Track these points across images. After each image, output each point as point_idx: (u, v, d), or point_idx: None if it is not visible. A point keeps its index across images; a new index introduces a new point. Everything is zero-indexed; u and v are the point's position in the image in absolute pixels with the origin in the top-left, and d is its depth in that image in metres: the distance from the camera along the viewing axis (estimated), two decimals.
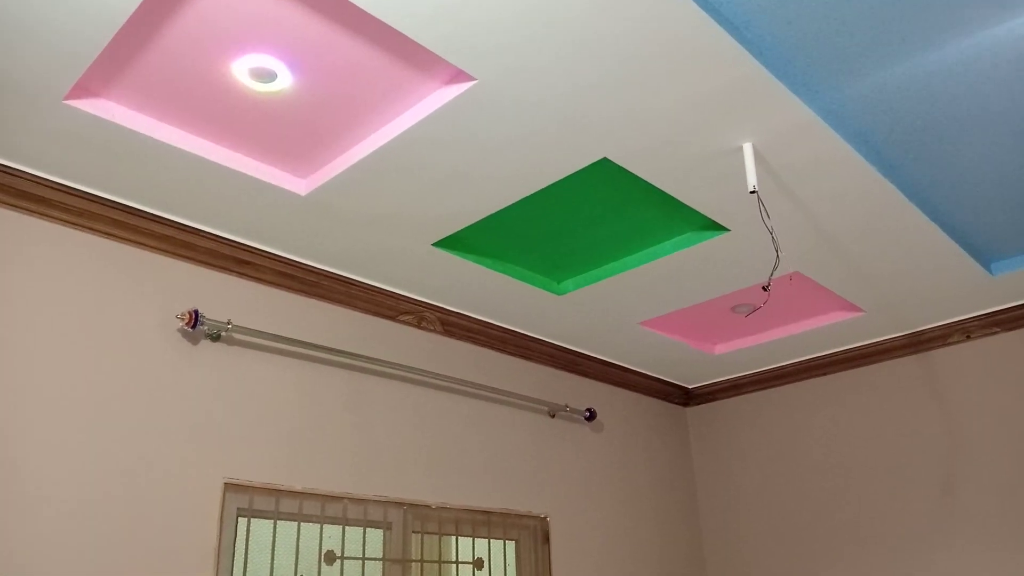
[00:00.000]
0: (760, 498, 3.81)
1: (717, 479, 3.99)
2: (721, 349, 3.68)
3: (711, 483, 4.01)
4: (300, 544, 2.44)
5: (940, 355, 3.42)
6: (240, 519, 2.33)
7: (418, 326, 2.96)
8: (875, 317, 3.28)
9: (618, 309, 3.12)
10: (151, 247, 2.31)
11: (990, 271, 2.92)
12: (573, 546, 3.27)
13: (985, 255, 2.89)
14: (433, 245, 2.56)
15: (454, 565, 2.86)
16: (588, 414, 3.50)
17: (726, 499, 3.93)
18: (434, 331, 3.01)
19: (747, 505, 3.84)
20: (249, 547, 2.33)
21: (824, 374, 3.73)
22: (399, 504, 2.71)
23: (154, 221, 2.30)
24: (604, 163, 2.20)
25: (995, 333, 3.28)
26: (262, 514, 2.38)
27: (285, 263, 2.58)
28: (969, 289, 3.03)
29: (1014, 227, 2.69)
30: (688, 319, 3.35)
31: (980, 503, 3.16)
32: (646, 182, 2.30)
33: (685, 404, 4.20)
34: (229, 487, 2.31)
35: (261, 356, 2.48)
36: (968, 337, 3.34)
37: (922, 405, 3.41)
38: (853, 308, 3.24)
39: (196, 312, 2.28)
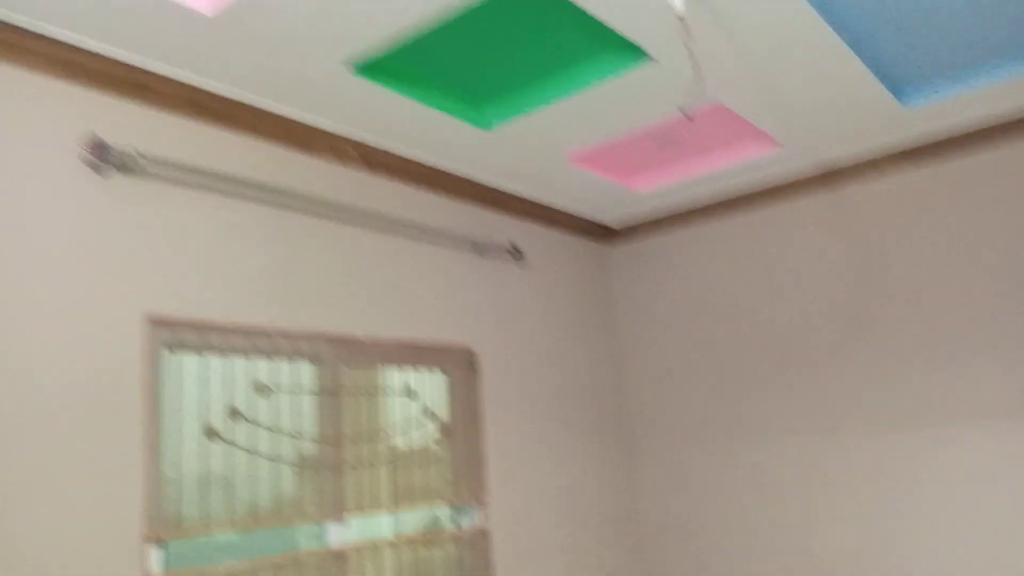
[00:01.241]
0: (679, 330, 3.99)
1: (639, 314, 4.15)
2: (644, 186, 3.72)
3: (633, 317, 4.17)
4: (231, 377, 2.46)
5: (852, 190, 3.55)
6: (167, 353, 2.32)
7: (339, 161, 2.88)
8: (792, 151, 3.35)
9: (544, 143, 3.10)
10: (43, 70, 2.15)
11: (902, 102, 2.99)
12: (501, 377, 3.40)
13: (900, 86, 2.95)
14: (353, 73, 2.46)
15: (386, 395, 2.94)
16: (514, 252, 3.54)
17: (647, 333, 4.10)
18: (356, 166, 2.95)
19: (667, 337, 4.03)
20: (178, 381, 2.33)
21: (742, 210, 3.84)
22: (329, 338, 2.74)
23: (43, 40, 2.13)
24: None
25: (905, 167, 3.40)
26: (189, 348, 2.38)
27: (193, 90, 2.44)
28: (881, 122, 3.11)
29: (929, 57, 2.73)
30: (613, 157, 3.36)
31: (886, 328, 3.39)
32: (572, 5, 2.22)
33: (609, 242, 4.29)
34: (152, 322, 2.28)
35: (175, 189, 2.39)
36: (879, 171, 3.46)
37: (835, 239, 3.57)
38: (771, 142, 3.30)
39: (101, 141, 2.16)
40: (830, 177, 3.56)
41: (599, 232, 4.16)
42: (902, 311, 3.34)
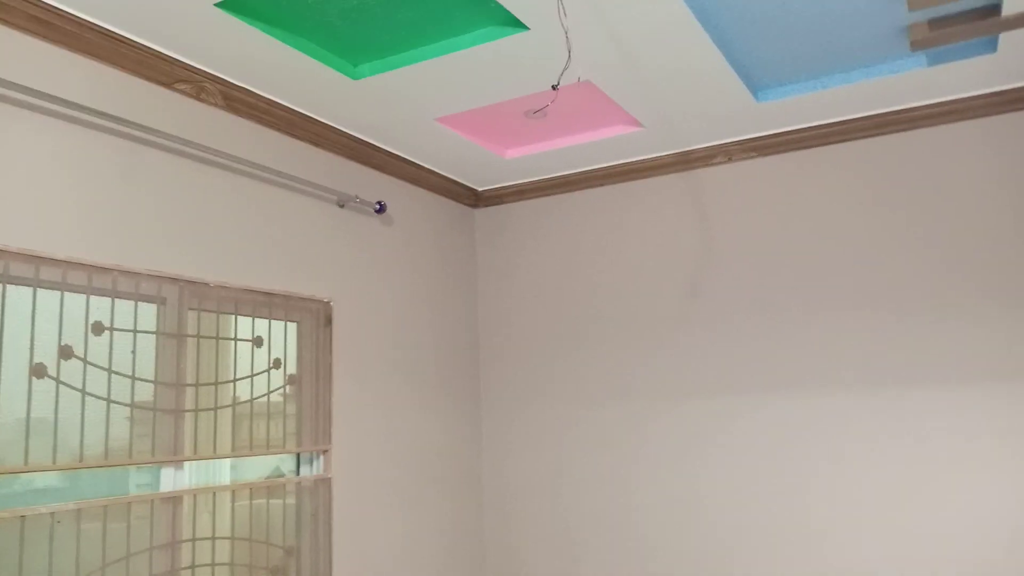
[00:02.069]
0: (536, 294, 4.12)
1: (499, 276, 4.24)
2: (512, 153, 3.79)
3: (493, 279, 4.26)
4: (64, 314, 2.34)
5: (704, 174, 3.76)
6: None
7: (197, 97, 2.77)
8: (652, 133, 3.50)
9: (415, 101, 3.09)
10: None
11: (756, 98, 3.19)
12: (355, 331, 3.40)
13: (755, 82, 3.14)
14: (216, 5, 2.36)
15: (232, 342, 2.89)
16: (378, 207, 3.53)
17: (505, 295, 4.21)
18: (215, 105, 2.84)
19: (523, 300, 4.15)
20: (4, 315, 2.20)
21: (603, 185, 3.99)
22: (174, 280, 2.65)
23: None
24: None
25: (753, 157, 3.63)
26: (19, 281, 2.24)
27: (38, 6, 2.27)
28: (736, 113, 3.31)
29: (783, 56, 2.92)
30: (483, 121, 3.39)
31: (721, 302, 3.64)
32: None
33: (474, 205, 4.33)
34: None
35: (11, 110, 2.23)
36: (729, 159, 3.68)
37: (684, 218, 3.78)
38: (634, 123, 3.43)
39: None
40: (686, 160, 3.75)
41: (464, 194, 4.20)
42: (734, 284, 3.60)
